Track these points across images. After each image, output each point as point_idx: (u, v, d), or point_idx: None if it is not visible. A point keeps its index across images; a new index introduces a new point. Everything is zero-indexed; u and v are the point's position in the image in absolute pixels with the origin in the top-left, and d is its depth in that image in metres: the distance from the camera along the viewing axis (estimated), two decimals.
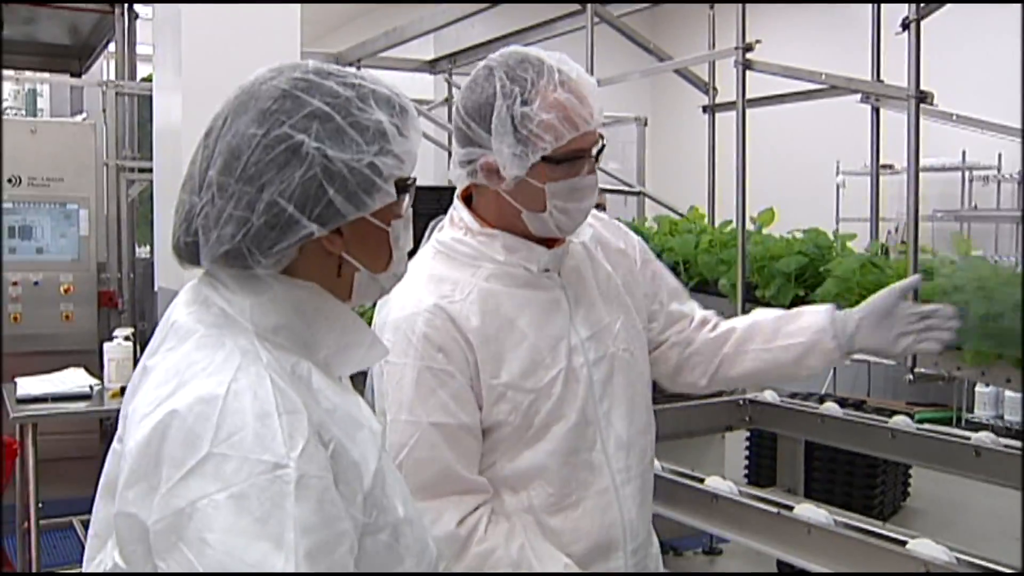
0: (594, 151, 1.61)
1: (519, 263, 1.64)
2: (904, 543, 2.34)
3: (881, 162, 3.67)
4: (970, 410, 6.25)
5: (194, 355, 1.10)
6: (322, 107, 1.13)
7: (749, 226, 3.28)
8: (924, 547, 2.31)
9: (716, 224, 3.74)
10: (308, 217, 1.11)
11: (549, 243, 1.67)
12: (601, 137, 1.62)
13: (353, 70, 1.20)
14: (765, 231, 3.33)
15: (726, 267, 3.15)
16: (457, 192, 1.73)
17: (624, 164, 6.38)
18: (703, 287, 3.30)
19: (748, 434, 4.90)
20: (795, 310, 1.88)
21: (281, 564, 0.99)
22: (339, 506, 1.07)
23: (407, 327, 1.59)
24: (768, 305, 3.03)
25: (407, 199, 1.22)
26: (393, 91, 1.20)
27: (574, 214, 1.62)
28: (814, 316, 1.83)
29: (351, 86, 1.16)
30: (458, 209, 1.70)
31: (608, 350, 1.70)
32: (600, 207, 6.19)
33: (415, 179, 1.22)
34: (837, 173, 7.43)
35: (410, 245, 1.26)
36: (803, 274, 2.97)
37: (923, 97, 2.62)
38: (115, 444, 1.14)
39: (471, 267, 1.64)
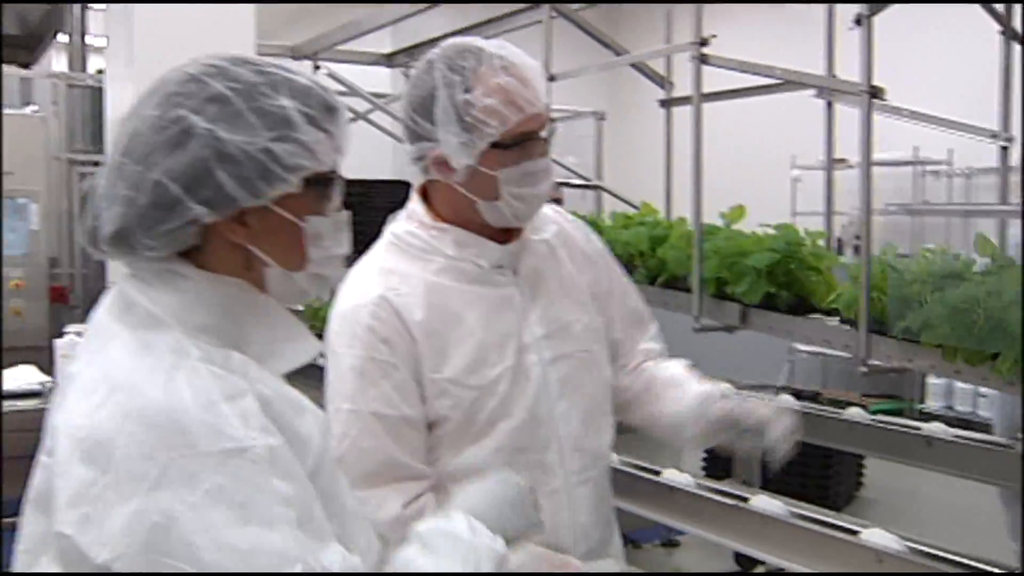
0: (544, 134, 1.61)
1: (469, 259, 1.64)
2: (856, 532, 2.37)
3: (836, 156, 3.69)
4: (922, 401, 6.35)
5: (121, 360, 1.07)
6: (223, 91, 1.10)
7: (718, 222, 3.28)
8: (876, 536, 2.34)
9: (672, 218, 3.75)
10: (195, 199, 1.08)
11: (503, 239, 1.67)
12: (551, 120, 1.62)
13: (276, 61, 1.17)
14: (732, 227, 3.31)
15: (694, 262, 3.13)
16: (415, 186, 1.73)
17: (583, 158, 6.39)
18: (673, 283, 3.28)
19: None
20: (682, 379, 1.83)
21: (279, 541, 0.99)
22: (302, 471, 1.07)
23: (353, 318, 1.59)
24: (739, 302, 3.02)
25: (332, 196, 1.19)
26: (319, 86, 1.17)
27: (529, 200, 1.62)
28: (677, 405, 1.79)
29: (264, 74, 1.13)
30: (413, 202, 1.70)
31: (566, 350, 1.69)
32: (557, 201, 6.20)
33: (338, 176, 1.19)
34: (793, 168, 7.50)
35: (343, 248, 1.22)
36: (774, 270, 2.94)
37: (875, 92, 2.64)
38: (43, 457, 1.09)
39: (422, 260, 1.64)
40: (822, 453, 4.52)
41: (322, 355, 1.54)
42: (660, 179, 4.00)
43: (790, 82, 3.25)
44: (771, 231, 3.10)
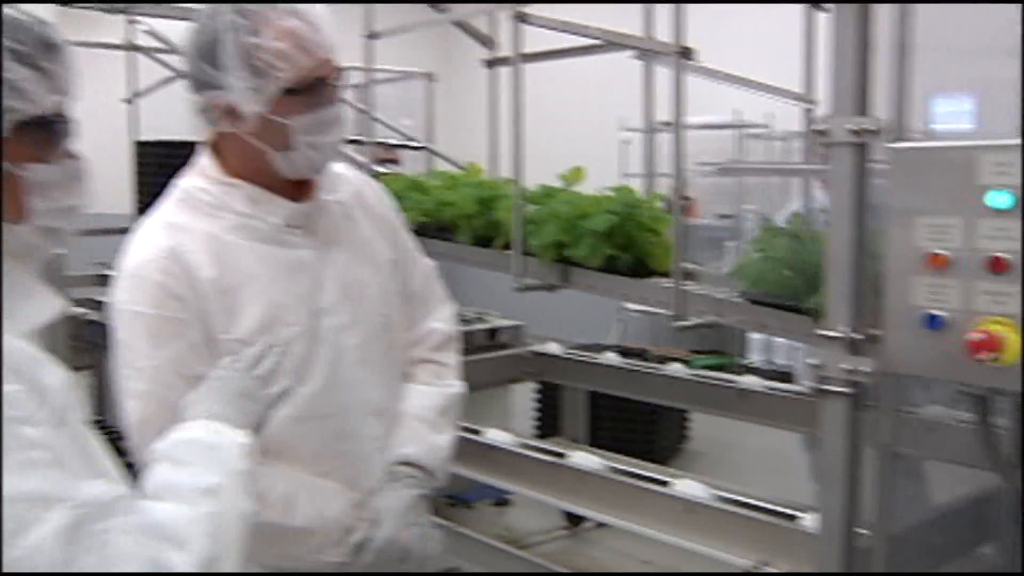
0: (335, 82, 1.57)
1: (261, 216, 1.58)
2: (667, 483, 2.45)
3: (662, 119, 3.75)
4: (743, 356, 6.61)
5: None
6: None
7: (550, 185, 3.28)
8: (687, 487, 2.42)
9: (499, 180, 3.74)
10: None
11: (297, 197, 1.62)
12: (340, 70, 1.57)
13: None
14: (563, 190, 3.28)
15: (534, 226, 3.11)
16: (204, 140, 1.65)
17: (418, 120, 6.32)
18: (510, 247, 3.23)
19: (538, 386, 5.01)
20: (417, 422, 1.75)
21: (36, 484, 0.96)
22: (46, 417, 1.02)
23: (140, 274, 1.52)
24: (578, 266, 3.01)
25: (57, 142, 1.10)
26: (36, 20, 1.07)
27: (324, 148, 1.57)
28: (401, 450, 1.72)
29: None
30: (201, 155, 1.62)
31: (363, 314, 1.66)
32: (393, 162, 6.11)
33: (64, 119, 1.11)
34: (622, 130, 7.61)
35: (76, 199, 1.14)
36: (613, 233, 2.92)
37: (686, 53, 2.69)
38: None
39: (212, 217, 1.57)
40: (647, 408, 4.65)
41: (88, 315, 1.47)
42: (496, 139, 3.98)
43: (610, 43, 3.28)
44: (609, 193, 3.10)
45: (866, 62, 1.62)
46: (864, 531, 1.77)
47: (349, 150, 4.30)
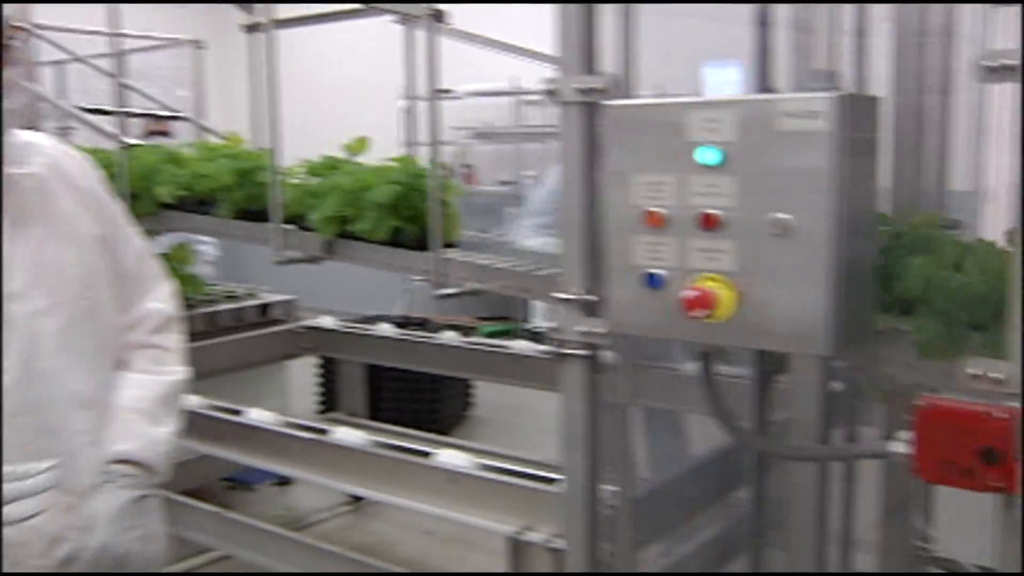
0: (9, 42, 1.40)
1: None
2: (430, 455, 2.42)
3: (440, 87, 3.68)
4: (526, 321, 6.69)
5: None
6: None
7: (341, 155, 3.15)
8: (449, 457, 2.40)
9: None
10: None
11: None
12: (16, 29, 1.41)
13: None
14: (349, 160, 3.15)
15: (315, 199, 2.97)
16: None
17: (193, 90, 6.02)
18: (292, 221, 3.08)
19: (320, 361, 4.89)
20: (128, 416, 1.60)
21: None
22: None
23: None
24: (361, 239, 2.89)
25: None
26: None
27: None
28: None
29: None
30: None
31: (62, 297, 1.50)
32: (163, 134, 5.77)
33: None
34: (402, 98, 7.52)
35: None
36: (399, 204, 2.82)
37: (438, 16, 2.64)
38: None
39: None
40: (430, 379, 4.62)
41: None
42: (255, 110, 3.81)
43: (367, 7, 3.19)
44: (392, 164, 3.00)
45: (591, 22, 1.61)
46: (613, 488, 1.79)
47: (102, 121, 4.03)
